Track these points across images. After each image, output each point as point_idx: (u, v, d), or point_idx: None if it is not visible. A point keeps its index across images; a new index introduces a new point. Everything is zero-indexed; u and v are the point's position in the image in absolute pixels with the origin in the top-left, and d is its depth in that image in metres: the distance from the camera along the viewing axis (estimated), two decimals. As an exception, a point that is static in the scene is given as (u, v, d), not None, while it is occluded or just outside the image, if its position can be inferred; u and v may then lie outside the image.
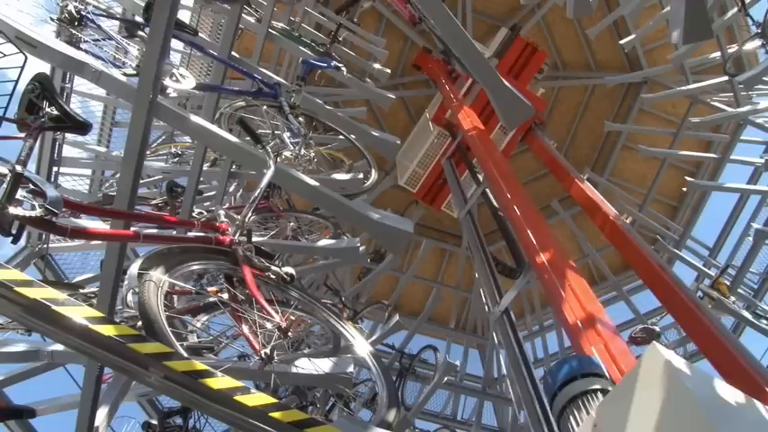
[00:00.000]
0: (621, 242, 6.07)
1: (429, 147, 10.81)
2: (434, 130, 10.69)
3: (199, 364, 2.26)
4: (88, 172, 8.44)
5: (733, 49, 9.56)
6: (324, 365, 3.31)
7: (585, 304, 3.89)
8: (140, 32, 4.63)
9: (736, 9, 8.46)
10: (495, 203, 6.65)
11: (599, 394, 2.49)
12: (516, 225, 5.30)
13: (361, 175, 5.99)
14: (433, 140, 10.77)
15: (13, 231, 2.38)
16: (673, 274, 5.33)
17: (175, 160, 7.64)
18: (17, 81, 3.29)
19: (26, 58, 3.50)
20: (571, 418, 2.42)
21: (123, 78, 4.07)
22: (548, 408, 3.75)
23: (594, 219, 6.94)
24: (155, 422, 5.91)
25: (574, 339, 3.60)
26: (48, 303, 2.11)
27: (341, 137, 6.40)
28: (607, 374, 2.67)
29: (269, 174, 3.57)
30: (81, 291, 4.53)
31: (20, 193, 2.45)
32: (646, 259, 5.45)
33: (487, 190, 6.91)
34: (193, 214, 4.75)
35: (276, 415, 2.25)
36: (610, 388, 2.52)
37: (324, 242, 5.97)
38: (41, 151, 7.10)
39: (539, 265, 4.53)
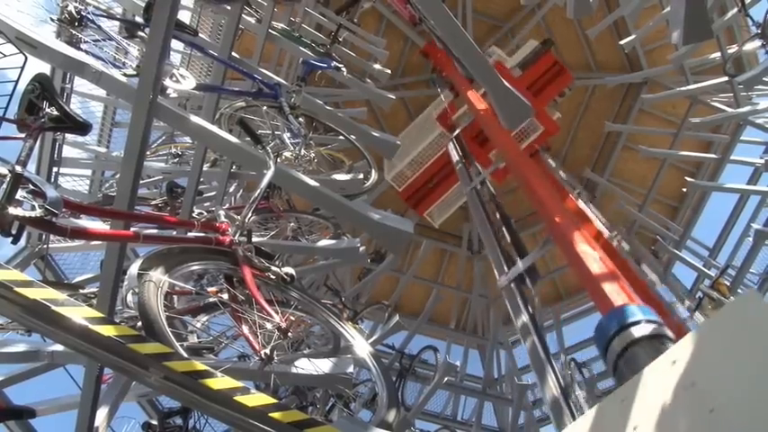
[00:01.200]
0: (611, 257, 6.08)
1: (424, 148, 10.41)
2: (435, 131, 10.34)
3: (199, 365, 2.26)
4: (88, 172, 8.44)
5: (733, 49, 9.56)
6: (324, 366, 3.31)
7: (616, 268, 3.85)
8: (140, 33, 4.63)
9: (736, 9, 8.46)
10: (493, 191, 6.69)
11: (664, 340, 2.47)
12: (534, 189, 5.24)
13: (361, 176, 5.99)
14: (430, 142, 10.38)
15: (13, 232, 2.38)
16: (660, 295, 5.34)
17: (175, 161, 7.64)
18: (17, 81, 3.28)
19: (26, 58, 3.50)
20: (635, 359, 2.40)
21: (123, 79, 4.07)
22: (558, 371, 3.73)
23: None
24: (155, 422, 5.91)
25: (607, 299, 3.47)
26: (47, 304, 2.11)
27: (341, 137, 6.40)
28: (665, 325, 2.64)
29: (269, 174, 3.57)
30: (81, 291, 4.52)
31: (20, 194, 2.45)
32: (635, 278, 5.46)
33: (487, 180, 6.95)
34: (193, 215, 4.73)
35: (276, 415, 2.25)
36: (671, 335, 2.50)
37: (324, 242, 5.97)
38: (41, 152, 7.10)
39: (562, 225, 4.38)
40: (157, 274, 2.65)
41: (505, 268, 5.13)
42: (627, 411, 1.98)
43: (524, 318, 4.57)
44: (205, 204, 6.10)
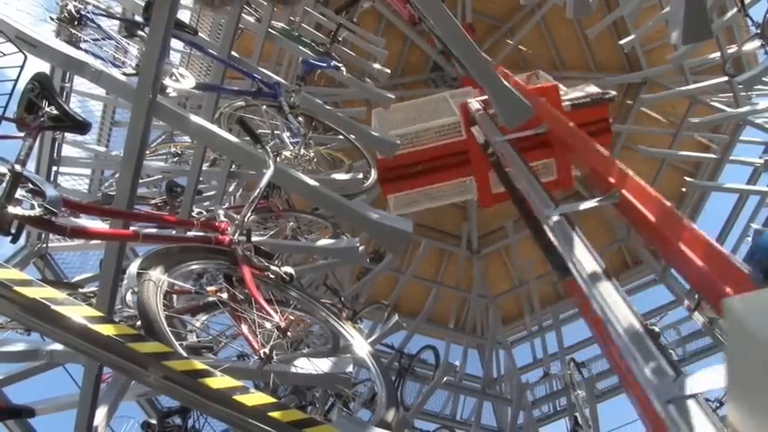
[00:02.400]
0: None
1: (427, 129, 8.76)
2: (446, 118, 8.77)
3: (198, 364, 2.26)
4: (87, 171, 8.45)
5: (732, 49, 9.57)
6: (323, 365, 3.30)
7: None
8: (140, 32, 4.63)
9: (735, 9, 8.47)
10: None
11: None
12: (587, 145, 5.38)
13: (360, 175, 6.00)
14: (437, 127, 8.73)
15: (13, 231, 2.38)
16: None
17: (175, 160, 7.65)
18: (17, 80, 3.29)
19: (26, 57, 3.50)
20: None
21: (123, 78, 4.06)
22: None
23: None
24: (154, 422, 5.92)
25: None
26: (47, 303, 2.11)
27: (340, 137, 6.40)
28: None
29: (268, 174, 3.57)
30: (80, 290, 4.52)
31: (19, 193, 2.45)
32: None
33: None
34: (193, 214, 4.74)
35: (275, 414, 2.25)
36: None
37: (323, 242, 5.97)
38: (41, 151, 7.11)
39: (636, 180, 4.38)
40: (157, 274, 2.65)
41: (552, 203, 4.93)
42: None
43: (556, 216, 4.52)
44: (204, 204, 6.11)
